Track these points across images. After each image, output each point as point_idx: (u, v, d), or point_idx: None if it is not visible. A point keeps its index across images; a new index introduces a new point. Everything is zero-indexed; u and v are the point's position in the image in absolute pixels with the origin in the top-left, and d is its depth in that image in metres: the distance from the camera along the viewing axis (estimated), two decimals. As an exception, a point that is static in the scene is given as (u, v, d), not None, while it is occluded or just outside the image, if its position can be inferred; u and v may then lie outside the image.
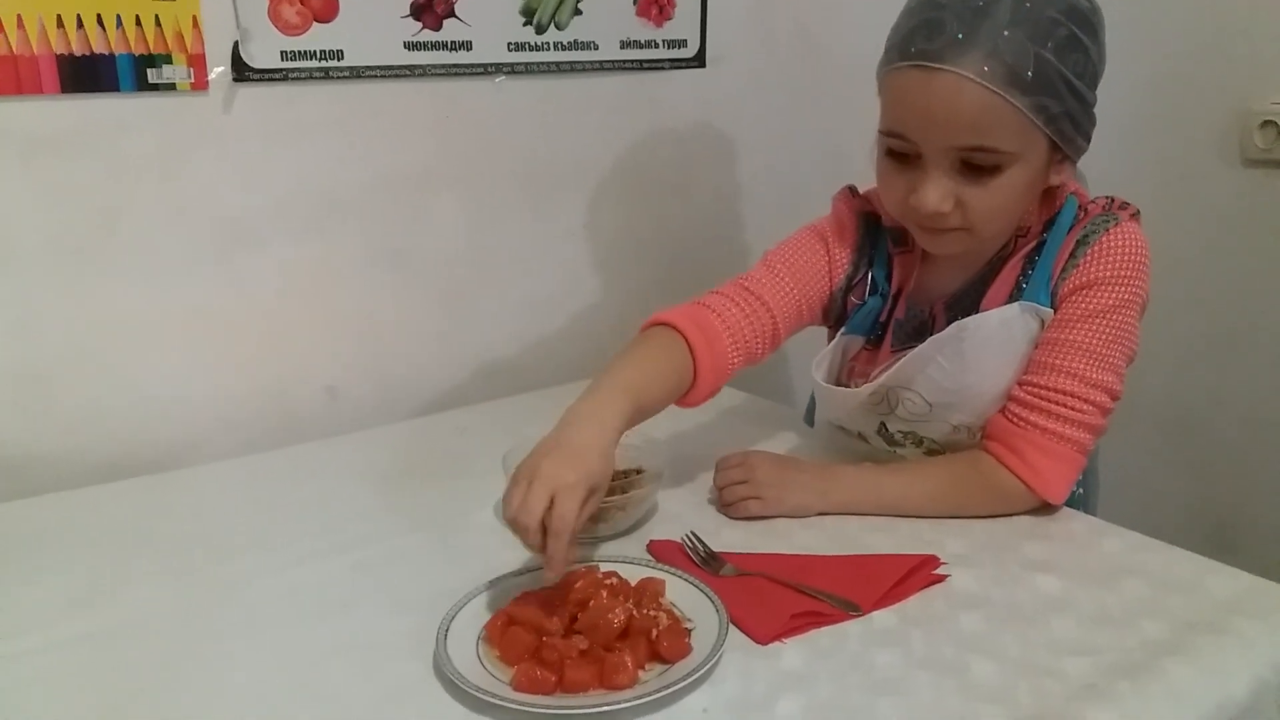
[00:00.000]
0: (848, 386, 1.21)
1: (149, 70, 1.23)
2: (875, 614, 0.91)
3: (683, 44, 1.66)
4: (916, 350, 1.11)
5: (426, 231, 1.51)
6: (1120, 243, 1.06)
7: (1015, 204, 1.05)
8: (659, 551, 1.03)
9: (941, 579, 0.96)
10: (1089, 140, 1.06)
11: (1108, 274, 1.06)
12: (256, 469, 1.29)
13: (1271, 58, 1.79)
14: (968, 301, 1.14)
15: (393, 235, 1.48)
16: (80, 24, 1.18)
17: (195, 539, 1.09)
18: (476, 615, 0.88)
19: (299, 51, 1.33)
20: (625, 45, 1.60)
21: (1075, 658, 0.84)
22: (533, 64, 1.52)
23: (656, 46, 1.64)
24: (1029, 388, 1.08)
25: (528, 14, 1.50)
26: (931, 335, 1.11)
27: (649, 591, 0.89)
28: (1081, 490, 1.22)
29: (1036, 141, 1.01)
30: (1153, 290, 1.10)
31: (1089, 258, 1.06)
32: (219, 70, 1.28)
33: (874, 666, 0.84)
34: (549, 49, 1.53)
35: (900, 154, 1.04)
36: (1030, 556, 1.01)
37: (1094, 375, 1.05)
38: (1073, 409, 1.05)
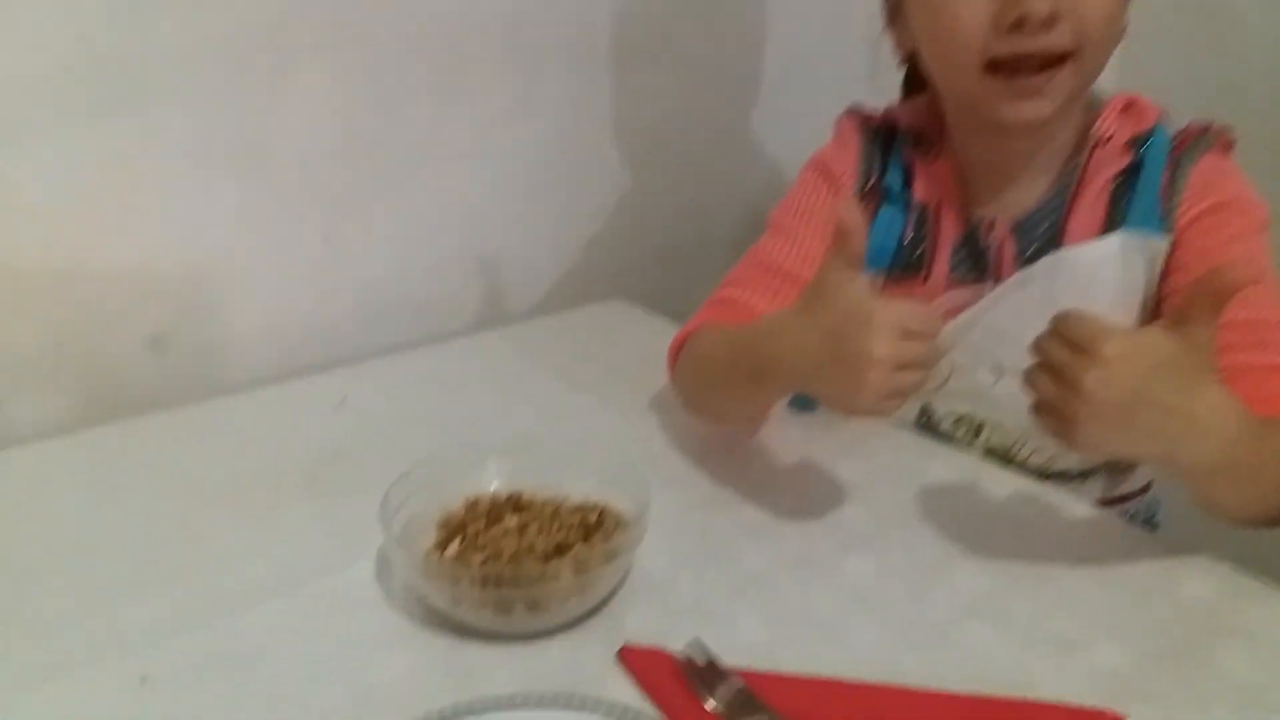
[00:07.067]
0: None
1: None
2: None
3: None
4: (995, 291, 0.89)
5: (284, 116, 1.10)
6: (1226, 164, 0.91)
7: (1119, 22, 0.86)
8: (639, 668, 0.64)
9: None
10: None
11: (1231, 194, 0.88)
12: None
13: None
14: (1045, 225, 0.93)
15: (234, 121, 1.07)
16: None
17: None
18: None
19: None
20: None
21: None
22: None
23: None
24: (1231, 330, 0.74)
25: None
26: (997, 267, 0.93)
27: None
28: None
29: None
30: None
31: (1195, 177, 0.88)
32: None
33: None
34: None
35: None
36: (1228, 671, 0.63)
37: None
38: None
